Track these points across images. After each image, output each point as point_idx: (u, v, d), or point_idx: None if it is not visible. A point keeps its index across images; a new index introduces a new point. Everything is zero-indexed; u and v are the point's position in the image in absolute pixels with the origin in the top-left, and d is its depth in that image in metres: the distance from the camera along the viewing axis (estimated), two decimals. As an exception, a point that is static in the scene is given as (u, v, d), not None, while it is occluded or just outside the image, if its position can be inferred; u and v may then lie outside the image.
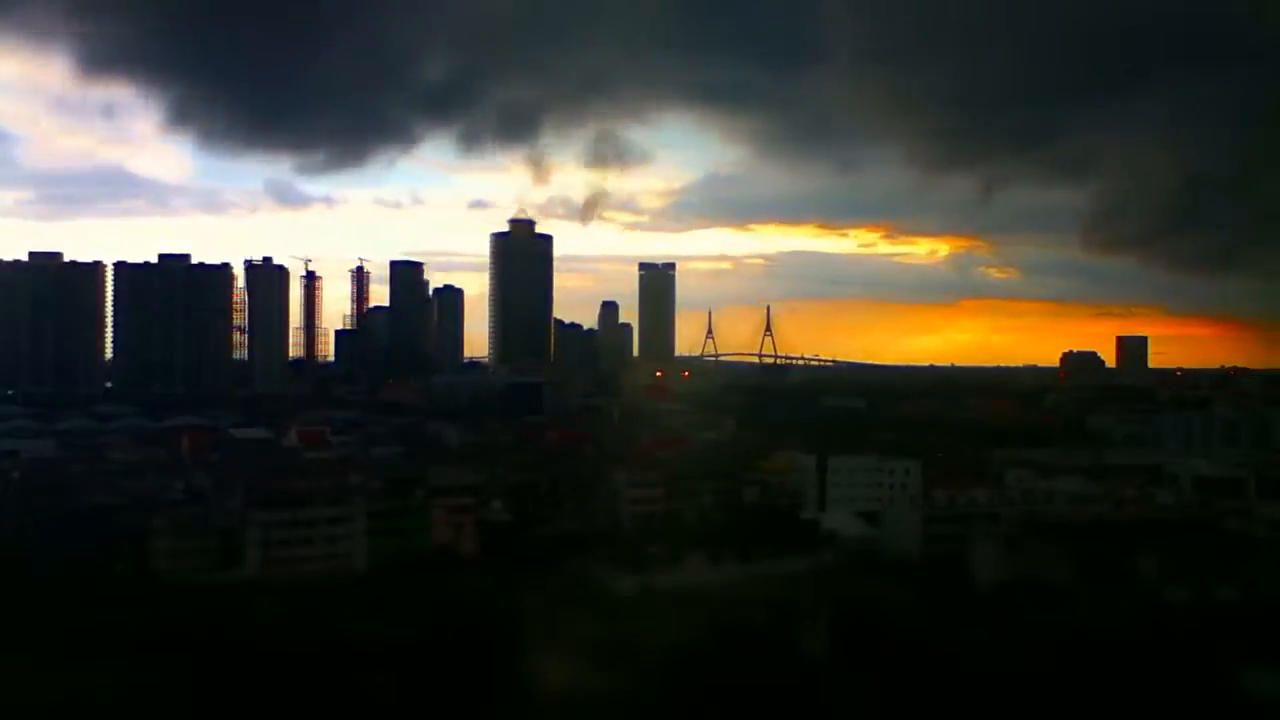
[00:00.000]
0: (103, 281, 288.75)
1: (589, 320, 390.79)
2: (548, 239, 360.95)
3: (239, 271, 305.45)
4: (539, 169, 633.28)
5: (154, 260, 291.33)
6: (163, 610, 59.34)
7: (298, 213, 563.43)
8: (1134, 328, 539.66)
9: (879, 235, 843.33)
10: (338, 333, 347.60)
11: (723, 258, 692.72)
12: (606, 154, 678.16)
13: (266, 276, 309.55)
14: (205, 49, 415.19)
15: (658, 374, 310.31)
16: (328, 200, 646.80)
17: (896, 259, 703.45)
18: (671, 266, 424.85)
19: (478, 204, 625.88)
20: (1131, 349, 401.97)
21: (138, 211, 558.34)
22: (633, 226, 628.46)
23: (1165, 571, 62.39)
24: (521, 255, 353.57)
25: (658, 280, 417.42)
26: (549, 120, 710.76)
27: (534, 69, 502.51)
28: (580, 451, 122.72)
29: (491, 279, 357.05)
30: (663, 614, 56.07)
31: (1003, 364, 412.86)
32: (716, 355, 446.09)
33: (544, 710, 41.48)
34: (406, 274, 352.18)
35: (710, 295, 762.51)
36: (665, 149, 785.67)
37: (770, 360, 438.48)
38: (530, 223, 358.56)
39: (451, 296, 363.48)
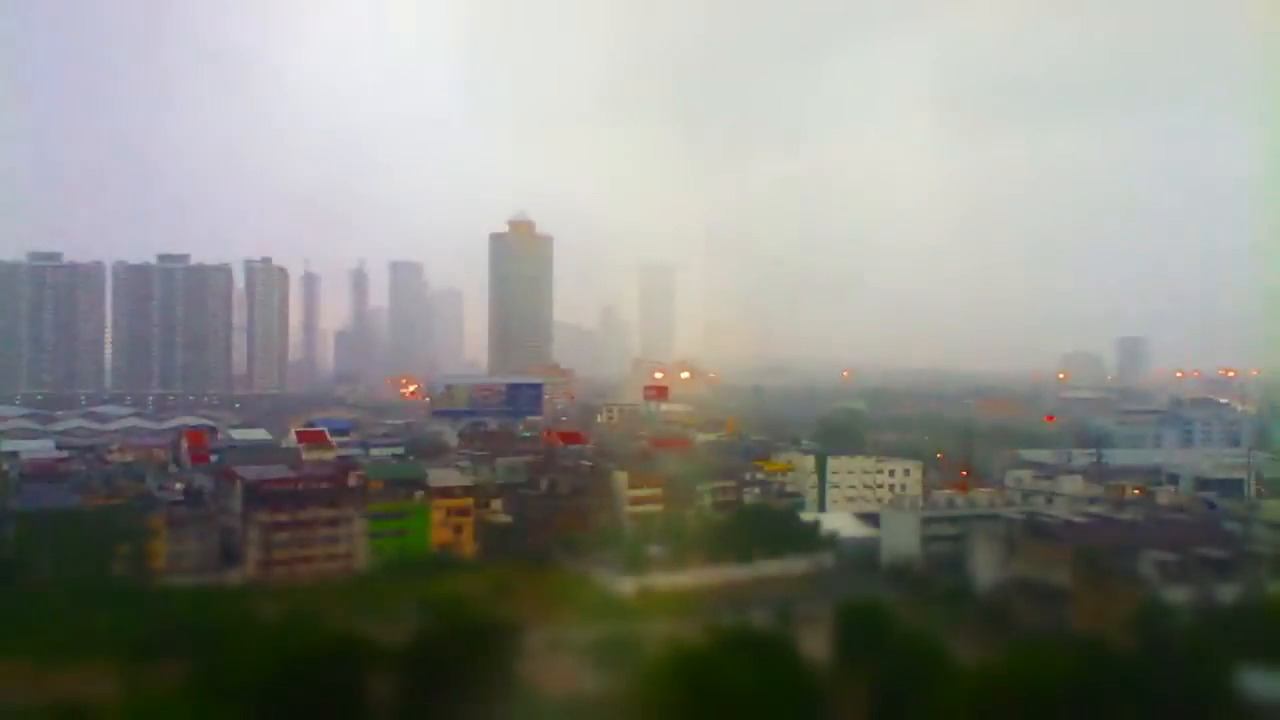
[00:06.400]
0: (103, 281, 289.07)
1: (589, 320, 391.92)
2: (548, 239, 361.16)
3: (239, 272, 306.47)
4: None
5: (154, 260, 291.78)
6: (162, 611, 59.20)
7: None
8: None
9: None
10: (337, 333, 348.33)
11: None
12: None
13: (266, 277, 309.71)
14: None
15: (658, 374, 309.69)
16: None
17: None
18: (671, 267, 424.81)
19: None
20: (1131, 350, 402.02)
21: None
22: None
23: (1165, 572, 62.22)
24: (521, 256, 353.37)
25: (658, 280, 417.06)
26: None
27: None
28: (580, 452, 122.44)
29: (491, 280, 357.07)
30: (662, 615, 56.00)
31: (1002, 365, 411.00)
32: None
33: (543, 711, 41.43)
34: (406, 275, 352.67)
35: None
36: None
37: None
38: (530, 223, 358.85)
39: (451, 297, 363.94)
